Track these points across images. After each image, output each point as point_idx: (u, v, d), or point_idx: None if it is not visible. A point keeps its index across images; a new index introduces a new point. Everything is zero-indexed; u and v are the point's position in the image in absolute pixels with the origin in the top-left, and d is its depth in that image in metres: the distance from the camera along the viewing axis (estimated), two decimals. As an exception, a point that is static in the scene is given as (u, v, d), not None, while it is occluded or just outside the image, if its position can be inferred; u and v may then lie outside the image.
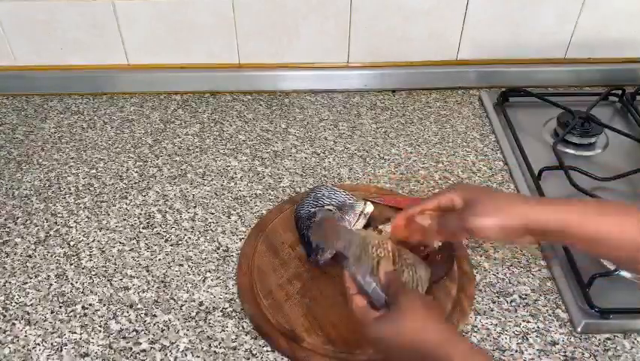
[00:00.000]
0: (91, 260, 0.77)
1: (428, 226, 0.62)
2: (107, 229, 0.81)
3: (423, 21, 1.02)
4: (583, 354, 0.65)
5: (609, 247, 0.54)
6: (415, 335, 0.52)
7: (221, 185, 0.88)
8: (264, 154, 0.94)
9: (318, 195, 0.79)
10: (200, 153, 0.95)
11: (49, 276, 0.75)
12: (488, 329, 0.68)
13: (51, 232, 0.81)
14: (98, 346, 0.66)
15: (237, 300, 0.71)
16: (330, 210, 0.74)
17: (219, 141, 0.97)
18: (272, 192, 0.87)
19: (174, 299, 0.71)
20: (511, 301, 0.71)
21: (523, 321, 0.69)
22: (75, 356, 0.65)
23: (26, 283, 0.74)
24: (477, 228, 0.56)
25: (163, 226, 0.81)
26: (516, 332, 0.68)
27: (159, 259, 0.77)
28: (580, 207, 0.55)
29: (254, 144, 0.97)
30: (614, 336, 0.67)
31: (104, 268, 0.75)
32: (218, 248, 0.78)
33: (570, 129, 0.94)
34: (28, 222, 0.82)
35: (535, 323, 0.69)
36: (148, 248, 0.78)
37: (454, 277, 0.72)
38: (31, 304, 0.71)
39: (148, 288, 0.73)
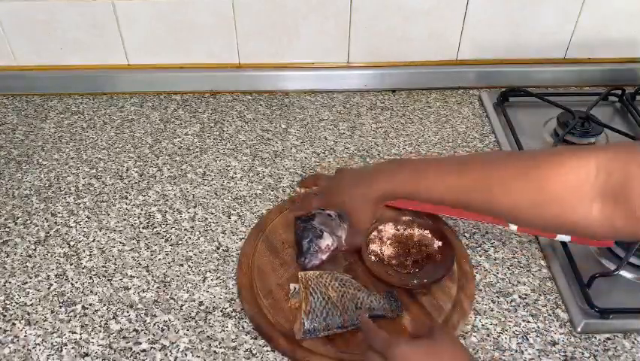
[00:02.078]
0: (91, 260, 0.77)
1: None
2: (107, 229, 0.81)
3: (423, 21, 1.02)
4: (583, 354, 0.65)
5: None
6: None
7: (221, 185, 0.88)
8: (264, 154, 0.94)
9: None
10: (200, 153, 0.95)
11: (49, 276, 0.75)
12: (488, 329, 0.68)
13: (51, 232, 0.81)
14: (98, 346, 0.66)
15: (237, 300, 0.71)
16: (330, 216, 0.74)
17: (219, 141, 0.97)
18: (272, 192, 0.87)
19: (174, 299, 0.71)
20: (511, 301, 0.71)
21: (523, 321, 0.69)
22: (75, 356, 0.65)
23: (26, 283, 0.74)
24: (364, 228, 0.69)
25: (163, 226, 0.81)
26: (516, 332, 0.68)
27: (159, 259, 0.77)
28: (411, 170, 0.62)
29: (254, 144, 0.97)
30: (614, 336, 0.67)
31: (104, 268, 0.75)
32: (218, 248, 0.78)
33: (570, 129, 0.94)
34: (28, 222, 0.82)
35: (535, 323, 0.69)
36: (148, 248, 0.78)
37: (454, 277, 0.72)
38: (31, 304, 0.71)
39: (148, 288, 0.73)
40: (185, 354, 0.65)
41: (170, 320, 0.69)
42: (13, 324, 0.69)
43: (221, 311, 0.70)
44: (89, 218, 0.83)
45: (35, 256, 0.77)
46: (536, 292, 0.72)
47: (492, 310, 0.70)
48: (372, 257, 0.74)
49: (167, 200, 0.86)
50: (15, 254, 0.78)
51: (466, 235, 0.80)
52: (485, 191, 0.54)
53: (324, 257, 0.72)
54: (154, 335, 0.67)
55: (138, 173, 0.91)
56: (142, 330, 0.68)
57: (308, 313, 0.64)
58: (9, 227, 0.82)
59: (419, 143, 0.97)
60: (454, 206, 0.58)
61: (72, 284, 0.73)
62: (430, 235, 0.77)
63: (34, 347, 0.66)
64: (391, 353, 0.52)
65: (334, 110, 1.05)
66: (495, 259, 0.76)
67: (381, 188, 0.62)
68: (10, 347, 0.66)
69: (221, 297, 0.72)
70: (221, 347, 0.66)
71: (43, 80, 1.08)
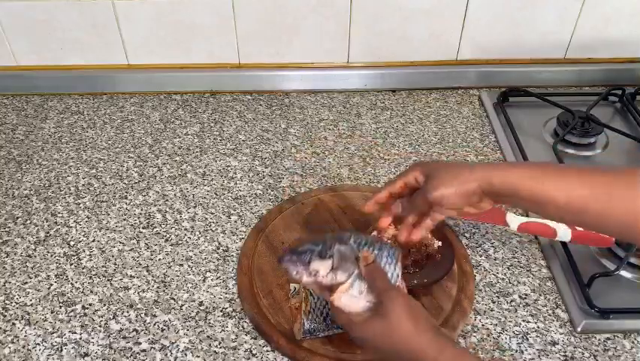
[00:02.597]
0: (91, 260, 0.77)
1: (400, 210, 0.65)
2: (107, 229, 0.81)
3: (423, 21, 1.02)
4: (583, 354, 0.65)
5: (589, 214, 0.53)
6: (401, 339, 0.52)
7: (221, 185, 0.88)
8: (264, 154, 0.94)
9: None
10: (200, 153, 0.95)
11: (49, 276, 0.75)
12: (488, 329, 0.68)
13: (51, 232, 0.81)
14: (98, 346, 0.66)
15: (237, 300, 0.71)
16: (350, 253, 0.59)
17: (219, 141, 0.97)
18: (272, 192, 0.87)
19: (174, 299, 0.71)
20: (511, 301, 0.71)
21: (523, 321, 0.69)
22: (75, 356, 0.65)
23: (26, 283, 0.74)
24: (438, 198, 0.59)
25: (163, 226, 0.81)
26: (516, 332, 0.68)
27: (159, 259, 0.77)
28: (535, 170, 0.56)
29: (254, 144, 0.97)
30: (614, 336, 0.67)
31: (104, 268, 0.75)
32: (218, 248, 0.78)
33: (570, 129, 0.94)
34: (28, 222, 0.82)
35: (535, 323, 0.69)
36: (148, 248, 0.78)
37: (454, 277, 0.72)
38: (31, 304, 0.71)
39: (148, 288, 0.73)
40: (185, 354, 0.65)
41: (170, 320, 0.69)
42: (13, 324, 0.69)
43: (221, 311, 0.70)
44: (88, 218, 0.83)
45: (35, 256, 0.77)
46: (536, 292, 0.72)
47: (492, 310, 0.70)
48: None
49: (167, 200, 0.86)
50: (15, 254, 0.78)
51: (466, 235, 0.80)
52: (604, 201, 0.52)
53: (304, 277, 0.58)
54: (154, 335, 0.67)
55: (138, 173, 0.91)
56: (142, 330, 0.68)
57: (308, 313, 0.64)
58: (9, 227, 0.82)
59: (419, 143, 0.97)
60: (564, 218, 0.59)
61: (72, 284, 0.73)
62: (430, 235, 0.77)
63: (34, 347, 0.66)
64: (352, 337, 0.56)
65: (334, 110, 1.05)
66: (495, 259, 0.76)
67: (491, 175, 0.57)
68: (10, 347, 0.66)
69: (221, 297, 0.72)
70: (221, 347, 0.66)
71: (43, 80, 1.08)
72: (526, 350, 0.66)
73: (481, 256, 0.77)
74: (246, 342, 0.67)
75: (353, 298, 0.56)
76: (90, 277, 0.74)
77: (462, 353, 0.53)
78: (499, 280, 0.74)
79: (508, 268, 0.75)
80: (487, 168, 0.58)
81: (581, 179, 0.54)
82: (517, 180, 0.56)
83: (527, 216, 0.81)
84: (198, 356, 0.65)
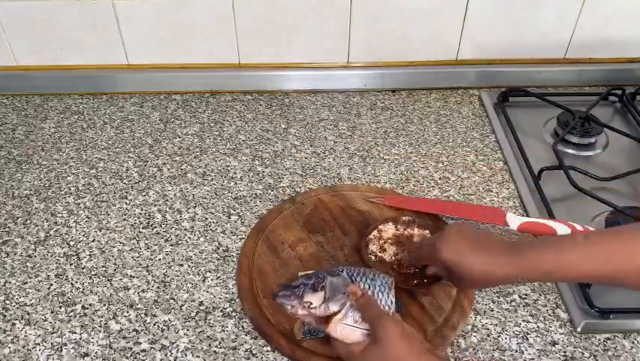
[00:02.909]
0: (91, 260, 0.77)
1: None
2: (107, 229, 0.81)
3: (423, 21, 1.02)
4: (583, 354, 0.65)
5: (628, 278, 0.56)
6: None
7: (221, 185, 0.88)
8: (264, 154, 0.94)
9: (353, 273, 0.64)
10: (200, 153, 0.95)
11: (49, 276, 0.75)
12: (488, 329, 0.68)
13: (51, 232, 0.81)
14: (98, 346, 0.66)
15: (237, 300, 0.71)
16: (342, 291, 0.61)
17: (219, 141, 0.97)
18: (272, 192, 0.87)
19: (174, 299, 0.71)
20: (511, 301, 0.71)
21: (523, 321, 0.69)
22: (75, 356, 0.65)
23: (26, 283, 0.74)
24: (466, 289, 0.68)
25: (163, 226, 0.81)
26: (516, 332, 0.68)
27: (159, 259, 0.77)
28: (571, 248, 0.57)
29: (254, 144, 0.97)
30: (614, 336, 0.67)
31: (104, 268, 0.75)
32: (218, 248, 0.78)
33: (570, 129, 0.94)
34: (28, 222, 0.82)
35: (535, 323, 0.69)
36: (148, 248, 0.78)
37: (454, 277, 0.72)
38: (31, 304, 0.71)
39: (148, 288, 0.73)
40: (185, 354, 0.65)
41: (170, 320, 0.69)
42: (13, 324, 0.69)
43: (221, 311, 0.70)
44: (88, 218, 0.83)
45: (35, 256, 0.77)
46: (536, 292, 0.72)
47: (492, 310, 0.70)
48: (372, 257, 0.74)
49: (167, 200, 0.86)
50: (15, 254, 0.78)
51: (466, 235, 0.80)
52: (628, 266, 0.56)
53: (298, 310, 0.59)
54: (154, 335, 0.67)
55: (138, 173, 0.91)
56: (142, 330, 0.68)
57: None
58: (9, 227, 0.82)
59: (419, 143, 0.97)
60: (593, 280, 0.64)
61: (72, 284, 0.73)
62: (430, 235, 0.77)
63: (34, 347, 0.66)
64: None
65: (334, 110, 1.05)
66: (495, 259, 0.76)
67: (517, 270, 0.59)
68: (10, 347, 0.66)
69: (221, 297, 0.72)
70: (221, 347, 0.66)
71: (43, 80, 1.08)
72: (526, 350, 0.66)
73: (481, 256, 0.77)
74: (246, 342, 0.67)
75: (347, 328, 0.58)
76: (90, 277, 0.74)
77: None
78: (499, 280, 0.73)
79: (508, 268, 0.75)
80: (511, 264, 0.59)
81: (609, 256, 0.56)
82: (543, 273, 0.58)
83: (527, 216, 0.81)
84: (198, 356, 0.65)
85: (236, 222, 0.82)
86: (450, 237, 0.63)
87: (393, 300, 0.61)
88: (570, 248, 0.57)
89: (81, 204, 0.85)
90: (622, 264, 0.55)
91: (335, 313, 0.58)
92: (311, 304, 0.59)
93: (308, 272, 0.69)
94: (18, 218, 0.83)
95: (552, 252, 0.57)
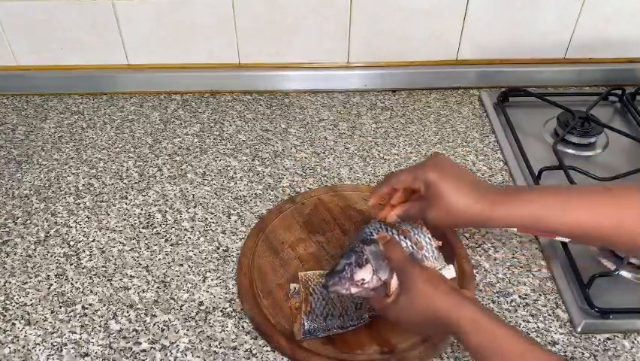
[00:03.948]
0: (91, 260, 0.77)
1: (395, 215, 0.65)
2: (107, 229, 0.81)
3: (423, 21, 1.02)
4: (583, 354, 0.65)
5: (597, 236, 0.55)
6: (425, 310, 0.55)
7: (221, 185, 0.88)
8: (264, 154, 0.94)
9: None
10: (200, 153, 0.95)
11: (49, 276, 0.75)
12: (488, 329, 0.68)
13: (51, 232, 0.81)
14: (98, 346, 0.66)
15: (237, 300, 0.71)
16: (383, 259, 0.61)
17: (219, 141, 0.97)
18: (272, 192, 0.87)
19: (174, 299, 0.71)
20: (511, 301, 0.71)
21: (523, 321, 0.69)
22: (75, 356, 0.65)
23: (26, 283, 0.74)
24: (436, 225, 0.61)
25: (163, 226, 0.81)
26: (516, 332, 0.67)
27: (159, 259, 0.77)
28: (550, 201, 0.56)
29: (254, 144, 0.97)
30: (614, 336, 0.67)
31: (104, 268, 0.75)
32: (218, 248, 0.78)
33: (570, 129, 0.94)
34: (28, 222, 0.82)
35: (535, 323, 0.69)
36: (148, 248, 0.78)
37: (454, 277, 0.72)
38: (31, 304, 0.71)
39: (148, 288, 0.73)
40: (185, 354, 0.65)
41: (170, 320, 0.69)
42: (13, 324, 0.69)
43: (221, 311, 0.70)
44: (88, 218, 0.83)
45: (35, 256, 0.77)
46: (536, 292, 0.72)
47: (492, 311, 0.70)
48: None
49: (167, 200, 0.86)
50: (15, 254, 0.78)
51: (466, 235, 0.80)
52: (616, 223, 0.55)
53: (352, 290, 0.59)
54: (154, 335, 0.67)
55: (138, 173, 0.91)
56: (142, 330, 0.68)
57: (308, 313, 0.64)
58: (9, 227, 0.82)
59: (419, 143, 0.97)
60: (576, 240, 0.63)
61: (72, 284, 0.73)
62: (430, 235, 0.77)
63: (34, 347, 0.66)
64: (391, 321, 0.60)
65: (334, 110, 1.05)
66: (495, 259, 0.76)
67: (493, 210, 0.57)
68: (10, 347, 0.66)
69: (221, 297, 0.72)
70: (221, 347, 0.66)
71: (43, 80, 1.08)
72: (526, 350, 0.66)
73: (481, 256, 0.77)
74: (246, 342, 0.67)
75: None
76: (90, 277, 0.74)
77: (481, 313, 0.54)
78: (499, 280, 0.73)
79: (508, 268, 0.75)
80: (489, 204, 0.57)
81: (589, 205, 0.55)
82: (519, 218, 0.57)
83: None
84: (198, 356, 0.65)
85: (236, 222, 0.82)
86: (437, 161, 0.61)
87: (430, 236, 0.64)
88: (561, 196, 0.57)
89: (81, 204, 0.85)
90: (609, 216, 0.54)
91: (387, 281, 0.59)
92: (364, 280, 0.59)
93: (315, 272, 0.70)
94: (18, 218, 0.83)
95: (528, 199, 0.57)
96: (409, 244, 0.63)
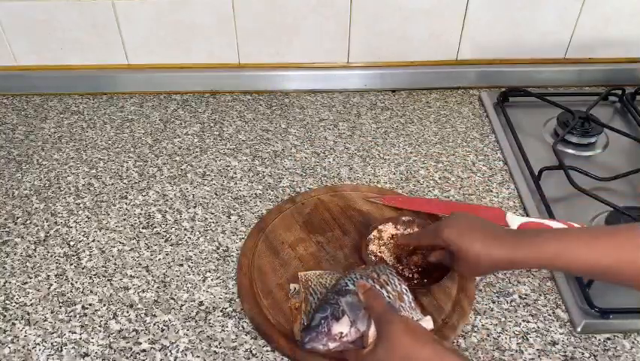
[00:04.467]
0: (91, 260, 0.77)
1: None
2: (107, 229, 0.81)
3: (423, 21, 1.02)
4: (583, 354, 0.65)
5: (615, 275, 0.56)
6: (405, 357, 0.54)
7: (221, 185, 0.88)
8: (264, 154, 0.94)
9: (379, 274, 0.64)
10: (200, 153, 0.95)
11: (49, 276, 0.75)
12: (488, 329, 0.68)
13: (51, 232, 0.81)
14: (98, 346, 0.66)
15: (237, 300, 0.71)
16: (358, 304, 0.60)
17: (219, 141, 0.97)
18: (272, 192, 0.87)
19: (174, 299, 0.71)
20: (511, 301, 0.71)
21: (523, 321, 0.69)
22: (75, 356, 0.65)
23: (26, 283, 0.74)
24: (463, 275, 0.69)
25: (163, 226, 0.81)
26: (516, 332, 0.68)
27: (159, 259, 0.77)
28: (567, 240, 0.59)
29: (254, 144, 0.97)
30: (614, 336, 0.67)
31: (104, 268, 0.75)
32: (218, 248, 0.78)
33: (570, 129, 0.94)
34: (28, 222, 0.82)
35: (535, 323, 0.69)
36: (148, 248, 0.78)
37: (454, 277, 0.72)
38: (31, 304, 0.71)
39: (148, 288, 0.73)
40: (185, 354, 0.65)
41: (170, 320, 0.69)
42: (13, 324, 0.69)
43: (221, 311, 0.70)
44: (88, 218, 0.83)
45: (35, 256, 0.77)
46: (536, 292, 0.72)
47: (492, 310, 0.70)
48: (372, 257, 0.74)
49: (167, 200, 0.86)
50: (15, 254, 0.78)
51: (466, 235, 0.80)
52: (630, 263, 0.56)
53: (330, 345, 0.58)
54: (154, 335, 0.67)
55: (138, 173, 0.91)
56: (142, 330, 0.68)
57: (308, 313, 0.64)
58: (9, 227, 0.82)
59: (419, 143, 0.97)
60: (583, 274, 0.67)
61: (72, 284, 0.73)
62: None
63: (34, 347, 0.66)
64: None
65: (334, 110, 1.05)
66: (495, 259, 0.76)
67: (514, 257, 0.60)
68: (10, 347, 0.66)
69: (221, 297, 0.72)
70: (221, 347, 0.66)
71: (43, 80, 1.08)
72: (526, 350, 0.66)
73: (481, 256, 0.77)
74: (246, 342, 0.67)
75: None
76: (90, 277, 0.74)
77: None
78: (499, 280, 0.73)
79: (508, 268, 0.75)
80: (510, 248, 0.60)
81: (611, 246, 0.56)
82: (540, 261, 0.60)
83: (527, 216, 0.81)
84: (198, 356, 0.65)
85: (236, 222, 0.82)
86: (454, 219, 0.65)
87: (405, 286, 0.63)
88: (572, 237, 0.59)
89: (81, 204, 0.85)
90: (620, 259, 0.55)
91: (365, 333, 0.58)
92: (342, 333, 0.58)
93: (308, 272, 0.70)
94: (18, 218, 0.83)
95: (554, 239, 0.59)
96: (388, 293, 0.61)
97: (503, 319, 0.69)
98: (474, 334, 0.67)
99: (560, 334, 0.67)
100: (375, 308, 0.58)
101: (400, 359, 0.54)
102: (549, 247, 0.58)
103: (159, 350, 0.66)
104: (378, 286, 0.62)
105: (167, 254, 0.77)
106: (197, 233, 0.80)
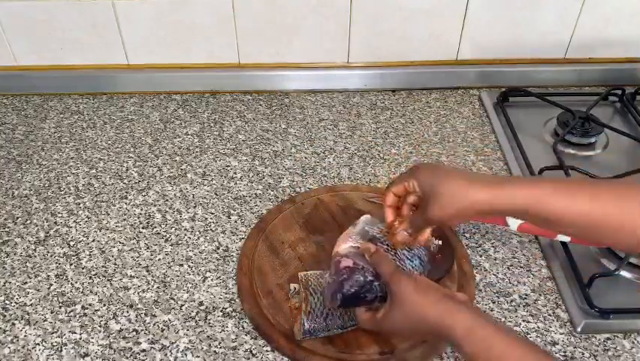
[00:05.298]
0: (91, 260, 0.77)
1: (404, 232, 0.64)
2: (107, 229, 0.81)
3: (423, 21, 1.02)
4: (583, 354, 0.65)
5: (599, 229, 0.52)
6: (417, 318, 0.55)
7: (221, 185, 0.88)
8: (264, 154, 0.94)
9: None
10: (200, 153, 0.95)
11: (49, 276, 0.75)
12: (488, 329, 0.68)
13: (51, 232, 0.81)
14: (98, 346, 0.66)
15: (237, 300, 0.71)
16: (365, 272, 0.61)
17: (219, 141, 0.97)
18: (272, 192, 0.87)
19: (174, 299, 0.71)
20: (511, 301, 0.71)
21: (523, 321, 0.69)
22: (75, 356, 0.65)
23: (26, 283, 0.74)
24: (437, 221, 0.58)
25: (163, 226, 0.81)
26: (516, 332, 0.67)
27: (159, 259, 0.77)
28: (548, 187, 0.53)
29: (254, 144, 0.97)
30: (614, 336, 0.67)
31: (104, 268, 0.75)
32: (218, 248, 0.78)
33: (570, 129, 0.94)
34: (28, 222, 0.82)
35: (535, 323, 0.69)
36: (148, 248, 0.78)
37: (454, 277, 0.72)
38: (31, 304, 0.71)
39: (148, 288, 0.73)
40: (185, 354, 0.65)
41: (170, 320, 0.69)
42: (13, 324, 0.69)
43: (221, 311, 0.70)
44: (88, 218, 0.83)
45: (35, 256, 0.77)
46: (536, 292, 0.72)
47: (492, 311, 0.70)
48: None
49: (167, 200, 0.86)
50: (15, 254, 0.78)
51: (466, 235, 0.80)
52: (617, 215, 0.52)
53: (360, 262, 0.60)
54: (154, 335, 0.67)
55: (138, 173, 0.91)
56: (142, 330, 0.68)
57: (308, 313, 0.64)
58: (9, 227, 0.82)
59: (419, 143, 0.97)
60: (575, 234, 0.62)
61: (72, 284, 0.73)
62: (429, 235, 0.77)
63: (34, 347, 0.66)
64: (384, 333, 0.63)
65: (334, 110, 1.05)
66: (495, 259, 0.76)
67: (493, 197, 0.54)
68: (10, 347, 0.66)
69: (221, 297, 0.72)
70: (221, 347, 0.66)
71: (43, 80, 1.08)
72: (526, 350, 0.66)
73: (481, 256, 0.77)
74: (246, 342, 0.67)
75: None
76: (90, 277, 0.74)
77: (474, 315, 0.53)
78: (499, 280, 0.74)
79: (508, 268, 0.75)
80: (489, 189, 0.54)
81: (592, 196, 0.52)
82: (523, 202, 0.54)
83: (527, 216, 0.81)
84: (198, 356, 0.65)
85: (236, 222, 0.82)
86: (429, 164, 0.63)
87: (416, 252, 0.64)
88: (550, 183, 0.54)
89: (81, 204, 0.85)
90: (603, 208, 0.51)
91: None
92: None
93: (308, 272, 0.69)
94: (18, 218, 0.83)
95: (531, 183, 0.54)
96: (404, 254, 0.63)
97: (503, 319, 0.69)
98: (474, 334, 0.67)
99: (560, 334, 0.67)
100: (383, 268, 0.58)
101: (414, 319, 0.55)
102: (524, 191, 0.53)
103: (159, 350, 0.66)
104: (384, 246, 0.63)
105: (167, 254, 0.77)
106: (197, 233, 0.80)
